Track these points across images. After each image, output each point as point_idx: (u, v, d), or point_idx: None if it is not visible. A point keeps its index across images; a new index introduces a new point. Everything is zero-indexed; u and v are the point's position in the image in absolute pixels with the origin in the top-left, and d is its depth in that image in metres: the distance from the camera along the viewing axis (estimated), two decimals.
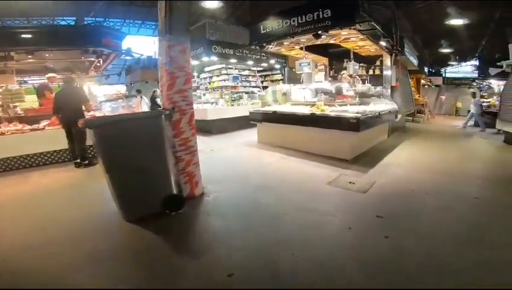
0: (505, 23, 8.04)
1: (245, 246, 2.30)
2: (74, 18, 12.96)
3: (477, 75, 16.72)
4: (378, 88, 7.10)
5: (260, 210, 3.00)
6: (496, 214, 2.83)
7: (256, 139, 6.52)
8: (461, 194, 3.37)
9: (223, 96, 9.30)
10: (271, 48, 6.74)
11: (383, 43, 6.12)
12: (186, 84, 3.04)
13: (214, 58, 8.77)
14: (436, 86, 18.63)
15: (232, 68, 11.33)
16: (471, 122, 9.76)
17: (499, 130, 7.22)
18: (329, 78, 8.79)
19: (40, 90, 6.50)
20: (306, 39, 5.94)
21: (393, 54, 7.15)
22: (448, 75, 19.25)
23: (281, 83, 11.10)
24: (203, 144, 6.56)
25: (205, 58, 8.79)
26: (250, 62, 10.03)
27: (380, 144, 6.32)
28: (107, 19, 15.01)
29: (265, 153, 5.49)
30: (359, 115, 4.47)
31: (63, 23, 13.42)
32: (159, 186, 2.80)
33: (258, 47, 6.47)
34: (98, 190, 3.45)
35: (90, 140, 4.27)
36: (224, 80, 11.23)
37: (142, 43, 18.02)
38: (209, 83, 11.91)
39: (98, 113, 5.92)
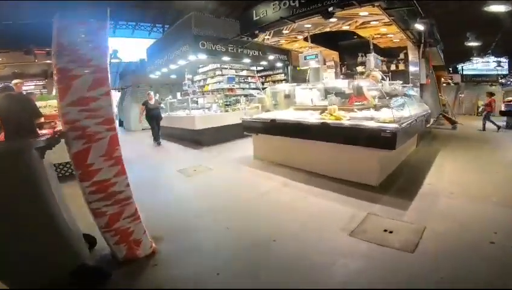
0: None
1: None
2: None
3: (506, 71, 15.24)
4: (402, 86, 5.65)
5: None
6: None
7: (252, 154, 5.21)
8: None
9: (217, 100, 8.02)
10: (267, 38, 5.38)
11: (419, 27, 4.54)
12: (94, 89, 1.72)
13: (203, 56, 7.43)
14: (455, 84, 17.17)
15: (227, 68, 10.02)
16: None
17: None
18: (341, 77, 7.33)
19: None
20: (311, 24, 4.54)
21: (422, 45, 5.71)
22: (466, 72, 17.78)
23: (284, 84, 9.75)
24: (187, 161, 5.36)
25: (192, 57, 7.46)
26: (246, 60, 8.64)
27: (409, 157, 4.87)
28: None
29: (261, 176, 4.14)
30: (395, 125, 3.06)
31: None
32: (51, 255, 1.63)
33: (248, 38, 5.09)
34: None
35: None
36: (219, 82, 9.93)
37: (138, 46, 17.05)
38: (200, 87, 10.61)
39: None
